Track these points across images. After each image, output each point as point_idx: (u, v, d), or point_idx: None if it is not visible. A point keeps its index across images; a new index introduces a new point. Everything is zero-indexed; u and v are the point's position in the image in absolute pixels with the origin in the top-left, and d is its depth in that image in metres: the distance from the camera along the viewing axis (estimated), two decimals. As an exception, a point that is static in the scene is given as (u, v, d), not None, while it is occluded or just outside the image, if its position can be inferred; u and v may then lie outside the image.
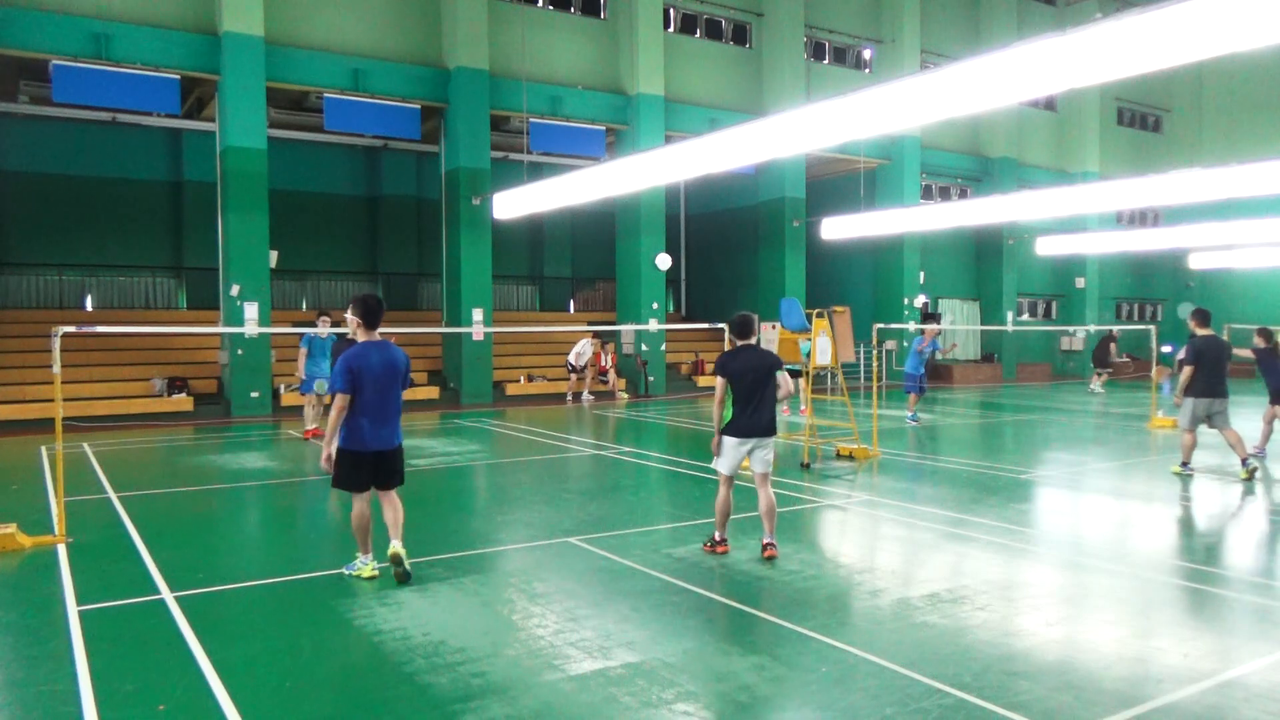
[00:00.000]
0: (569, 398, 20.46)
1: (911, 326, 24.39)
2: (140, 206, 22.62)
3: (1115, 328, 24.63)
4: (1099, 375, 23.45)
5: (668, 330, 23.00)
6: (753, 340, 6.77)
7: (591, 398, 20.44)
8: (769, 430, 6.66)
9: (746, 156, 9.86)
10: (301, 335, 13.20)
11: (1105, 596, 5.83)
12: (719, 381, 6.64)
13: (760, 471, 6.76)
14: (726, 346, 6.80)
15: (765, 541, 6.69)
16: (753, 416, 6.61)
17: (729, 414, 6.64)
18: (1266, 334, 12.13)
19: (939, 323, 27.90)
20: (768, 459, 6.75)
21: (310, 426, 13.58)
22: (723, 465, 6.74)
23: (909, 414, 16.15)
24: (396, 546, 6.06)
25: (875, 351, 14.10)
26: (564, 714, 4.06)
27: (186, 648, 4.87)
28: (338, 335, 13.04)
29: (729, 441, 6.67)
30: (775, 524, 6.78)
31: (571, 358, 20.46)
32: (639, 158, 11.59)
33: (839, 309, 11.71)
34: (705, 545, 6.88)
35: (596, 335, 20.83)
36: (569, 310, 28.32)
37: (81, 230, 21.80)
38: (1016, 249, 29.00)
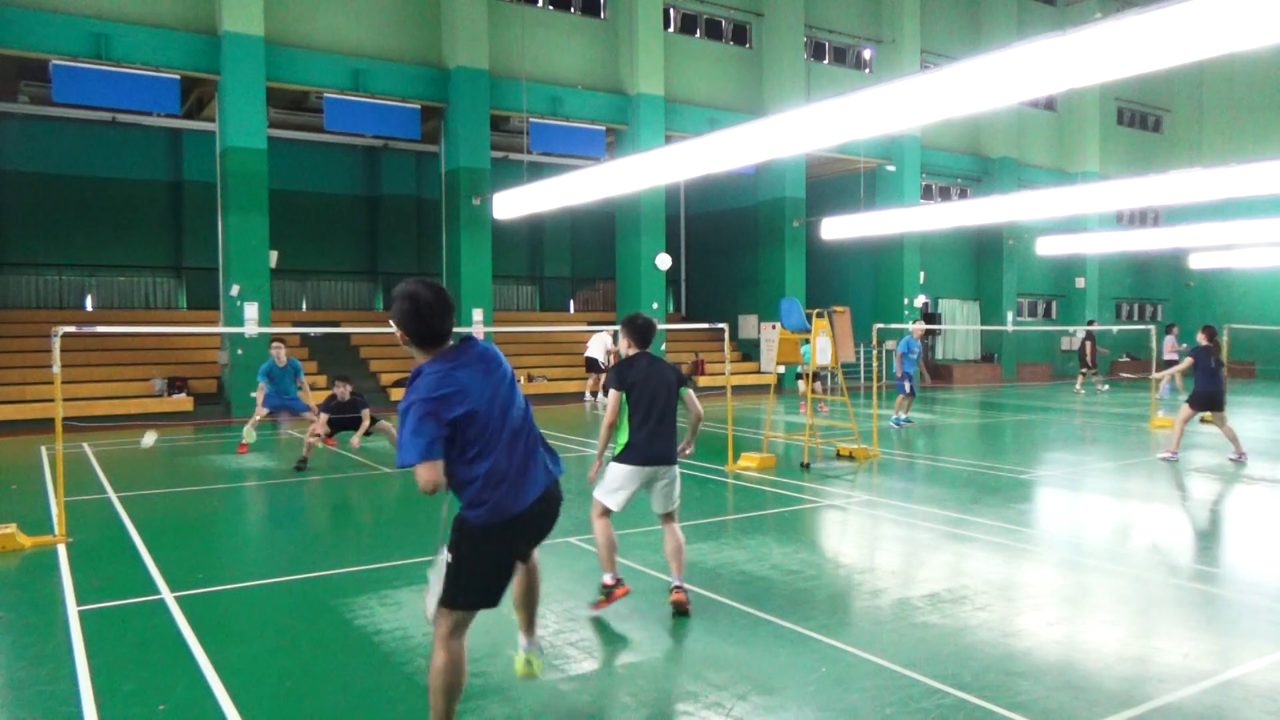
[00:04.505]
0: (591, 396, 20.41)
1: (911, 328, 24.35)
2: (140, 206, 22.62)
3: (1092, 327, 24.30)
4: (1086, 374, 23.26)
5: (668, 330, 22.99)
6: (649, 349, 5.67)
7: (592, 400, 20.43)
8: (672, 457, 5.49)
9: (746, 156, 9.86)
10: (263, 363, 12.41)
11: (1105, 596, 5.83)
12: (614, 395, 5.44)
13: (666, 511, 5.54)
14: (624, 353, 5.67)
15: (675, 584, 5.48)
16: (653, 439, 5.41)
17: (623, 437, 5.46)
18: (1210, 332, 11.64)
19: (939, 323, 27.91)
20: (674, 495, 5.53)
21: (247, 441, 12.50)
22: (613, 501, 5.45)
23: (894, 416, 16.00)
24: (527, 650, 4.23)
25: (875, 351, 14.08)
26: (564, 714, 4.06)
27: (186, 648, 4.87)
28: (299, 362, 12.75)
29: (623, 471, 5.41)
30: (684, 563, 5.60)
31: (600, 355, 20.30)
32: (639, 158, 11.59)
33: (839, 309, 11.71)
34: (598, 604, 5.46)
35: (612, 333, 20.76)
36: (569, 310, 28.32)
37: (81, 230, 21.80)
38: (1016, 249, 29.00)
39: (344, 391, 11.29)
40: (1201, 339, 11.56)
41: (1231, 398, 17.15)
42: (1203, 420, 16.16)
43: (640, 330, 5.61)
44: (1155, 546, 7.28)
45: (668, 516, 5.58)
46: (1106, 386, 23.12)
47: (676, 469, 5.54)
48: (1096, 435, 15.05)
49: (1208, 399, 11.33)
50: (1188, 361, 11.46)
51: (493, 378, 3.43)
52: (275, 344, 12.32)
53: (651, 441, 5.42)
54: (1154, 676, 4.42)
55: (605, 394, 5.53)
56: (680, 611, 5.39)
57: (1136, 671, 4.50)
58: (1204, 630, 5.19)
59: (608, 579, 5.48)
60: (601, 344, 20.32)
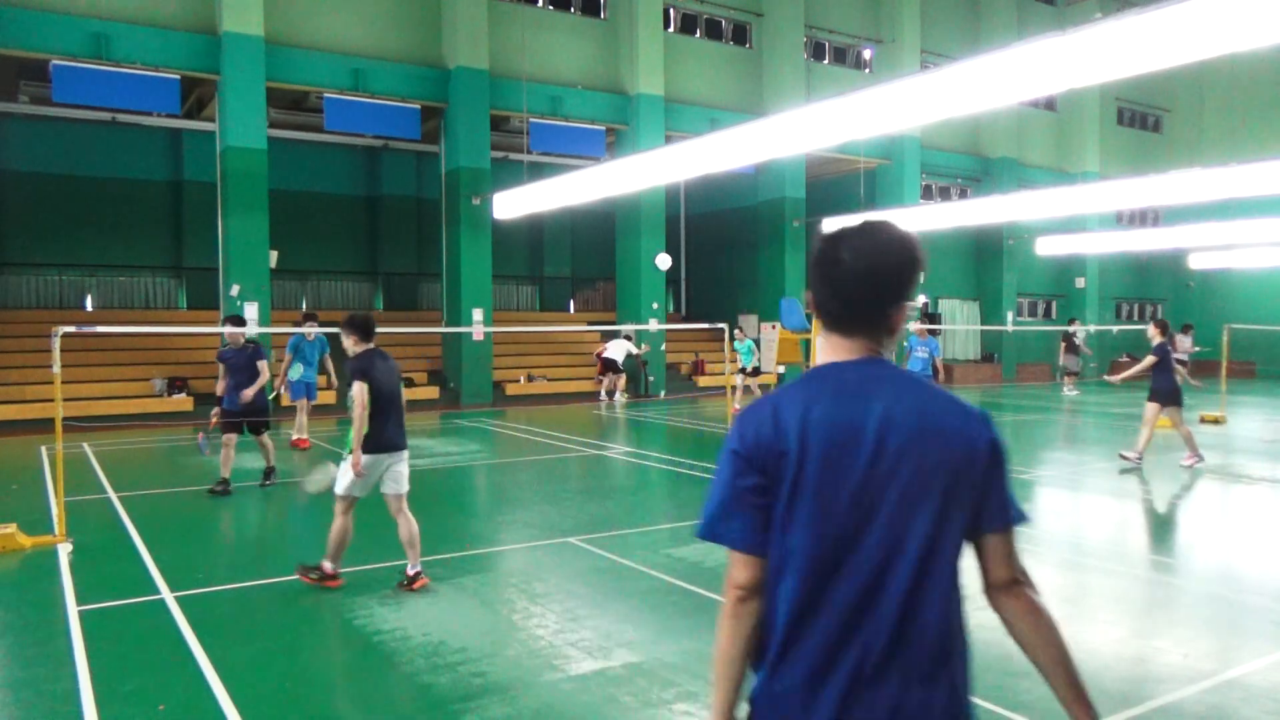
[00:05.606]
0: (607, 395, 20.49)
1: (912, 326, 24.36)
2: (140, 206, 22.62)
3: (1073, 327, 24.41)
4: (1074, 375, 23.48)
5: (668, 330, 23.00)
6: (372, 343, 5.97)
7: (608, 399, 20.43)
8: (405, 442, 5.97)
9: (746, 156, 9.88)
10: (290, 338, 12.50)
11: (1105, 596, 5.83)
12: (363, 388, 5.68)
13: (398, 492, 5.95)
14: (353, 349, 5.90)
15: (412, 572, 5.87)
16: (399, 427, 5.89)
17: (363, 428, 5.75)
18: (1165, 326, 10.95)
19: (939, 323, 27.91)
20: (404, 477, 5.97)
21: (299, 435, 12.79)
22: (358, 488, 5.83)
23: None
24: None
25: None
26: (564, 714, 4.06)
27: (186, 648, 4.87)
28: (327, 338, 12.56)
29: (367, 460, 5.76)
30: (420, 550, 5.97)
31: (620, 357, 20.39)
32: (639, 158, 11.61)
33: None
34: (310, 575, 5.97)
35: (628, 338, 20.79)
36: (569, 310, 28.32)
37: (81, 230, 21.79)
38: (1016, 249, 29.00)
39: (236, 336, 9.49)
40: (1159, 335, 10.88)
41: (1231, 397, 17.18)
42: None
43: (364, 326, 5.93)
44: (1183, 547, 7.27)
45: (401, 500, 5.95)
46: (1075, 391, 23.21)
47: (406, 452, 5.99)
48: (1097, 435, 15.04)
49: (1176, 395, 10.74)
50: (1151, 360, 10.76)
51: (886, 446, 1.67)
52: (309, 320, 12.25)
53: (399, 429, 5.89)
54: (1154, 676, 4.42)
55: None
56: (410, 588, 5.80)
57: (1136, 671, 4.50)
58: (1204, 630, 5.18)
59: (330, 567, 5.93)
60: (622, 348, 20.40)
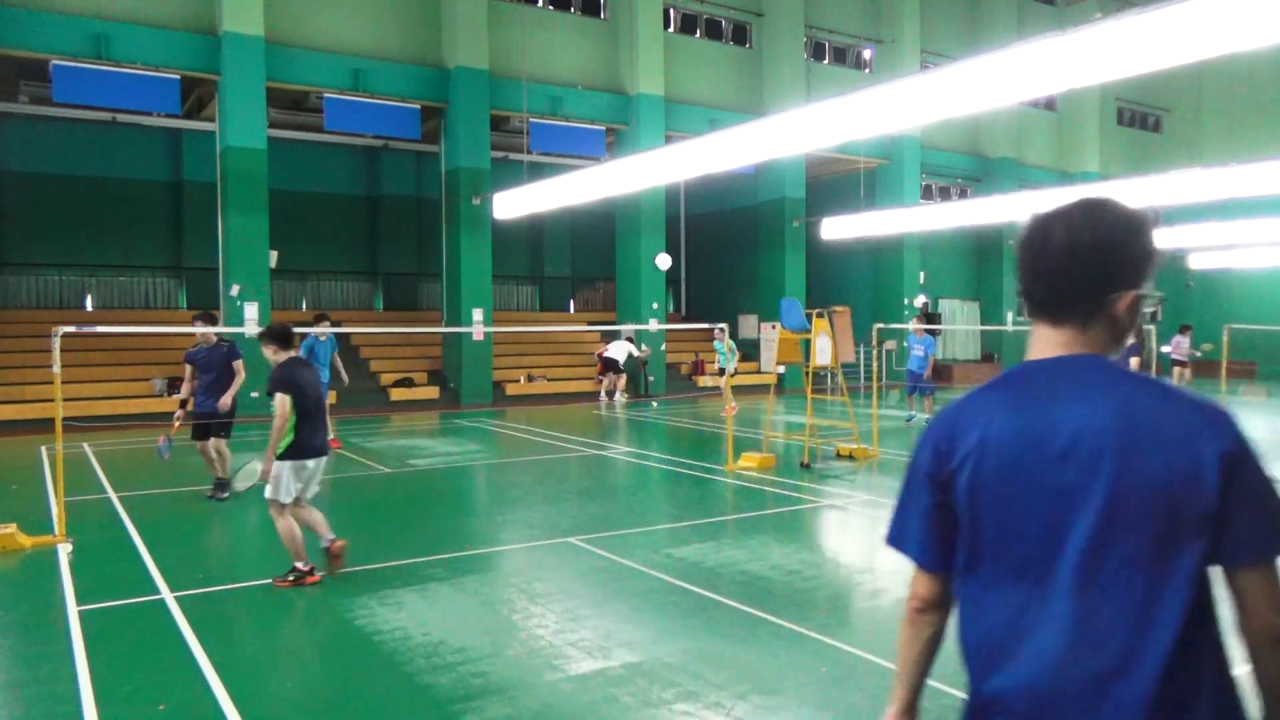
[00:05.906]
0: (607, 395, 20.49)
1: (911, 325, 24.38)
2: (140, 206, 22.62)
3: None
4: None
5: (668, 330, 23.01)
6: (292, 351, 6.19)
7: (608, 399, 20.43)
8: (327, 448, 6.24)
9: (746, 156, 9.88)
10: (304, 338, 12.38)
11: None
12: (285, 399, 5.82)
13: (310, 495, 6.20)
14: (273, 358, 6.10)
15: (327, 545, 6.15)
16: (319, 434, 6.09)
17: (288, 436, 5.91)
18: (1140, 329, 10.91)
19: (939, 322, 27.92)
20: (318, 479, 6.26)
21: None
22: (285, 494, 5.98)
23: (910, 413, 16.37)
24: None
25: (875, 351, 14.09)
26: (564, 714, 4.06)
27: (186, 648, 4.87)
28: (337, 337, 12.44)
29: (294, 466, 5.95)
30: (326, 523, 6.26)
31: (622, 357, 20.42)
32: (639, 158, 11.60)
33: (839, 309, 11.70)
34: (287, 580, 5.99)
35: (630, 339, 20.80)
36: (569, 310, 28.32)
37: (81, 230, 21.80)
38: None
39: (208, 335, 9.01)
40: (1134, 335, 10.80)
41: (1231, 398, 17.16)
42: None
43: (282, 336, 6.14)
44: None
45: (306, 503, 6.17)
46: None
47: (325, 458, 6.22)
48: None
49: None
50: (1136, 364, 10.62)
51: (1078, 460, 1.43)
52: (320, 319, 11.88)
53: (315, 436, 6.06)
54: (1154, 676, 4.42)
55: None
56: (337, 558, 6.14)
57: (1136, 671, 4.49)
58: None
59: (302, 565, 6.04)
60: (624, 348, 20.42)
